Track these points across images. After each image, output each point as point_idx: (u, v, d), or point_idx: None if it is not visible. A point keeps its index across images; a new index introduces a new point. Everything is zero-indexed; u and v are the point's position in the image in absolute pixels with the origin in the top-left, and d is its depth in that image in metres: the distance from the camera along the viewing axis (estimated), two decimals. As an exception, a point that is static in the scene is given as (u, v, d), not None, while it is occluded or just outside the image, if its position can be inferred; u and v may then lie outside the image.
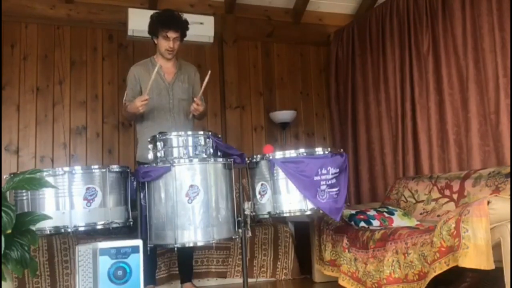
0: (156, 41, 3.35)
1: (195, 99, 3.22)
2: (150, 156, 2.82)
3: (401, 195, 3.70)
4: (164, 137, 2.79)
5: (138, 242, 2.33)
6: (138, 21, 4.41)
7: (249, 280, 3.40)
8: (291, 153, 2.76)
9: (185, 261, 3.41)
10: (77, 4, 4.40)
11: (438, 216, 3.14)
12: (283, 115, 4.79)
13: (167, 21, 3.27)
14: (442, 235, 2.35)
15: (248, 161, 2.87)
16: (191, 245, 2.71)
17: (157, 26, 3.28)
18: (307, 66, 5.20)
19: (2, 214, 2.15)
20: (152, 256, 3.28)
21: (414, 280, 2.54)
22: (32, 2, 4.29)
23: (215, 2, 4.81)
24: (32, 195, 2.55)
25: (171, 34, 3.26)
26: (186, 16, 4.14)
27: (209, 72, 3.02)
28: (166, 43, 3.29)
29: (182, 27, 3.32)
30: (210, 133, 2.86)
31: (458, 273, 2.59)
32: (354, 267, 3.03)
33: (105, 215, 2.62)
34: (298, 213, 2.78)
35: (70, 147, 4.30)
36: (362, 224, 3.20)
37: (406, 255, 2.61)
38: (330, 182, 2.70)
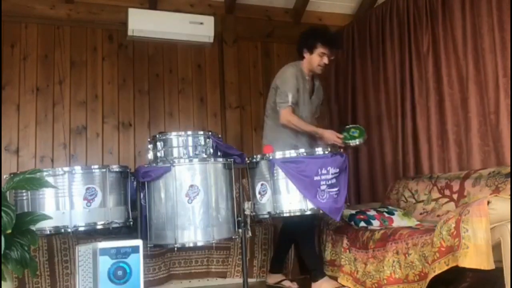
0: (306, 54, 3.44)
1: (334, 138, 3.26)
2: (151, 156, 2.82)
3: (401, 195, 3.71)
4: (164, 137, 2.79)
5: (138, 242, 2.33)
6: (138, 21, 4.42)
7: (249, 280, 3.40)
8: (291, 153, 2.76)
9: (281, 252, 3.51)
10: (77, 4, 4.40)
11: (438, 216, 3.14)
12: (283, 115, 4.78)
13: (335, 40, 3.44)
14: (442, 235, 2.35)
15: (248, 161, 2.87)
16: (191, 245, 2.72)
17: (319, 42, 3.36)
18: (307, 66, 5.20)
19: (2, 214, 2.15)
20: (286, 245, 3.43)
21: (414, 281, 2.54)
22: (32, 2, 4.29)
23: (215, 2, 4.81)
24: (32, 195, 2.55)
25: (331, 52, 3.39)
26: (186, 16, 4.16)
27: None
28: (321, 59, 3.38)
29: (341, 47, 3.50)
30: (210, 133, 2.86)
31: (458, 273, 2.59)
32: (354, 267, 3.03)
33: (105, 215, 2.63)
34: (298, 213, 2.78)
35: (70, 147, 4.29)
36: (362, 224, 3.20)
37: (406, 255, 2.61)
38: (330, 182, 2.70)
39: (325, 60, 3.38)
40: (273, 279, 3.51)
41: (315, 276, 3.19)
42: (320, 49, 3.37)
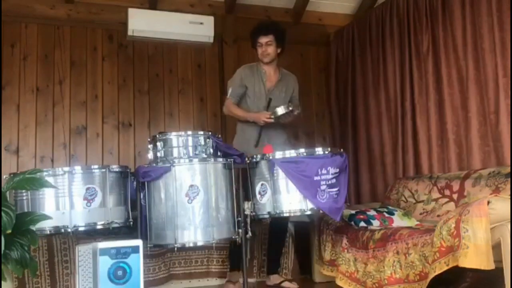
0: (255, 51, 3.65)
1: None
2: (151, 156, 2.82)
3: (401, 195, 3.70)
4: (164, 137, 2.79)
5: (138, 242, 2.33)
6: (138, 21, 4.42)
7: (249, 280, 3.41)
8: (291, 153, 2.76)
9: (274, 252, 3.59)
10: (77, 4, 4.40)
11: (438, 216, 3.14)
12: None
13: (257, 28, 3.61)
14: (442, 235, 2.35)
15: (248, 161, 2.87)
16: (191, 245, 2.72)
17: (252, 37, 3.61)
18: (307, 66, 5.20)
19: (2, 214, 2.15)
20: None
21: (415, 281, 2.54)
22: (32, 2, 4.29)
23: (215, 2, 4.81)
24: (32, 195, 2.55)
25: (262, 39, 3.55)
26: (186, 16, 4.18)
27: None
28: (260, 48, 3.58)
29: (273, 32, 3.55)
30: (210, 133, 2.86)
31: (458, 273, 2.59)
32: (353, 267, 3.03)
33: (105, 215, 2.62)
34: (298, 213, 2.78)
35: (70, 147, 4.29)
36: (362, 224, 3.20)
37: (407, 255, 2.61)
38: (330, 182, 2.70)
39: (263, 48, 3.56)
40: (272, 280, 3.51)
41: (276, 268, 3.60)
42: (255, 42, 3.60)
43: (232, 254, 3.53)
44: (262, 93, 3.58)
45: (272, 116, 3.37)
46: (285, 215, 2.80)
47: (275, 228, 3.58)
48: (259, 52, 3.61)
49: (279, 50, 3.64)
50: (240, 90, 3.61)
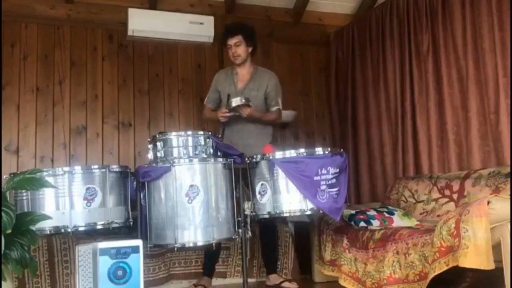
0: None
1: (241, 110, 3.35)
2: (151, 156, 2.82)
3: (401, 195, 3.70)
4: (164, 137, 2.79)
5: (138, 242, 2.33)
6: (138, 21, 4.42)
7: (249, 280, 3.40)
8: (291, 153, 2.76)
9: (268, 252, 3.58)
10: (77, 4, 4.40)
11: (438, 216, 3.14)
12: (283, 115, 4.78)
13: (226, 30, 3.60)
14: (442, 235, 2.35)
15: (248, 161, 2.87)
16: (191, 245, 2.71)
17: (222, 38, 3.61)
18: (307, 66, 5.20)
19: (2, 214, 2.15)
20: (217, 250, 3.47)
21: (415, 281, 2.54)
22: (32, 2, 4.29)
23: (215, 2, 4.81)
24: (32, 195, 2.55)
25: (230, 41, 3.52)
26: (186, 16, 4.18)
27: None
28: (230, 50, 3.56)
29: (241, 32, 3.51)
30: (210, 133, 2.86)
31: (458, 273, 2.59)
32: (354, 267, 3.03)
33: (105, 215, 2.62)
34: (298, 213, 2.78)
35: (70, 147, 4.29)
36: (362, 224, 3.20)
37: (407, 255, 2.61)
38: (330, 182, 2.70)
39: (232, 50, 3.54)
40: (271, 280, 3.52)
41: (274, 268, 3.62)
42: (226, 44, 3.58)
43: (206, 259, 3.55)
44: (234, 94, 3.53)
45: (227, 109, 3.35)
46: (285, 215, 2.80)
47: (264, 228, 3.57)
48: (229, 54, 3.59)
49: (250, 49, 3.58)
50: (214, 95, 3.67)
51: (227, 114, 3.39)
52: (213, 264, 3.59)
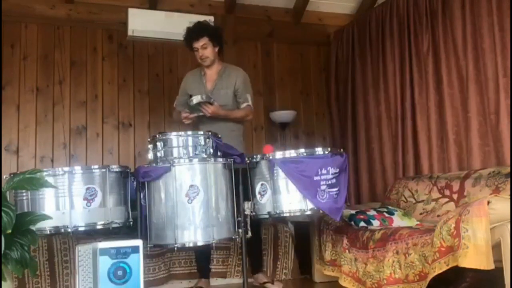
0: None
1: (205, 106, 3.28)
2: (151, 156, 2.82)
3: (401, 195, 3.70)
4: (164, 137, 2.79)
5: (138, 242, 2.33)
6: (138, 21, 4.42)
7: (249, 280, 3.40)
8: (291, 153, 2.75)
9: (254, 251, 3.48)
10: (77, 4, 4.40)
11: (438, 216, 3.14)
12: (283, 115, 4.79)
13: (190, 33, 3.46)
14: (442, 235, 2.35)
15: (248, 161, 2.87)
16: (191, 245, 2.71)
17: (186, 42, 3.49)
18: (307, 66, 5.20)
19: (2, 214, 2.15)
20: (206, 250, 3.43)
21: (414, 281, 2.54)
22: (32, 2, 4.29)
23: (215, 2, 4.81)
24: (32, 195, 2.55)
25: (196, 44, 3.43)
26: (186, 16, 4.17)
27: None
28: (197, 53, 3.47)
29: (206, 33, 3.42)
30: (210, 133, 2.86)
31: (458, 273, 2.59)
32: (355, 267, 3.03)
33: (105, 215, 2.62)
34: (298, 213, 2.78)
35: (70, 147, 4.30)
36: (362, 224, 3.20)
37: (407, 255, 2.61)
38: (330, 182, 2.70)
39: (200, 53, 3.45)
40: (256, 280, 3.53)
41: (260, 267, 3.60)
42: (191, 48, 3.49)
43: (198, 261, 3.55)
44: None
45: (188, 110, 3.29)
46: (285, 215, 2.79)
47: (255, 226, 3.49)
48: (197, 57, 3.51)
49: (217, 49, 3.51)
50: (183, 97, 3.57)
51: (190, 116, 3.34)
52: (206, 265, 3.58)
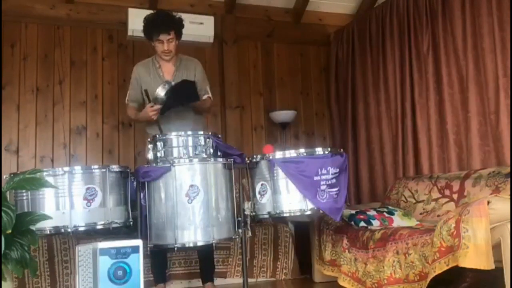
0: (151, 43, 3.32)
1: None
2: (150, 156, 2.82)
3: (401, 195, 3.71)
4: (164, 137, 2.79)
5: (138, 242, 2.33)
6: (138, 21, 4.35)
7: (249, 280, 3.40)
8: (291, 153, 2.75)
9: (205, 260, 3.37)
10: (77, 4, 4.40)
11: (438, 216, 3.14)
12: (283, 115, 4.79)
13: (158, 24, 3.23)
14: (442, 235, 2.35)
15: (248, 161, 2.87)
16: (191, 245, 2.71)
17: (150, 30, 3.25)
18: (307, 66, 5.20)
19: (2, 214, 2.15)
20: (163, 255, 3.34)
21: (415, 281, 2.54)
22: (32, 2, 4.29)
23: (215, 2, 4.81)
24: (32, 195, 2.54)
25: (164, 37, 3.23)
26: (186, 16, 4.14)
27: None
28: (161, 46, 3.26)
29: (174, 27, 3.26)
30: (210, 133, 2.86)
31: (458, 273, 2.59)
32: (354, 267, 3.03)
33: (105, 215, 2.62)
34: (298, 213, 2.78)
35: (70, 147, 4.30)
36: (362, 224, 3.20)
37: (407, 255, 2.61)
38: (330, 182, 2.70)
39: (164, 47, 3.25)
40: None
41: (209, 277, 3.38)
42: (153, 38, 3.26)
43: (154, 267, 3.37)
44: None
45: (154, 103, 3.07)
46: (285, 215, 2.79)
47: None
48: (159, 49, 3.27)
49: (177, 42, 3.32)
50: (137, 91, 3.35)
51: (158, 107, 3.07)
52: (163, 271, 3.44)
